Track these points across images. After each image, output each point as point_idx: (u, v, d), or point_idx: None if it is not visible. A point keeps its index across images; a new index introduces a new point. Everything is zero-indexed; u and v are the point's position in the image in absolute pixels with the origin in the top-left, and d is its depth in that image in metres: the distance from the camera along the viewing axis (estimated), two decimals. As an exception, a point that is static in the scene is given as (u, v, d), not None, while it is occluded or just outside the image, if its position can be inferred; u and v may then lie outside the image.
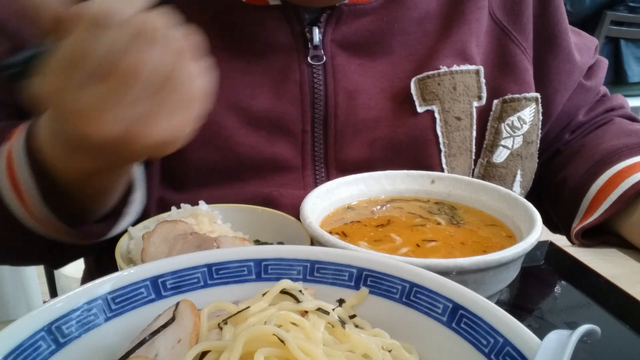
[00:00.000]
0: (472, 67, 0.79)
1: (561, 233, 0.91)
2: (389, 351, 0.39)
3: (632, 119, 0.95)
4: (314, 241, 0.55)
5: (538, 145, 0.86)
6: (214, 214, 0.61)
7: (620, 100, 0.96)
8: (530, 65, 0.84)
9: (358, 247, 0.52)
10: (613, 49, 3.06)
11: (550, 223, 0.93)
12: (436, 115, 0.77)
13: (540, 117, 0.85)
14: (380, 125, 0.77)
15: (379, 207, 0.67)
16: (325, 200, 0.65)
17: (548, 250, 0.70)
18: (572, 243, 0.82)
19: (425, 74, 0.78)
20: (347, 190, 0.67)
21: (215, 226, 0.60)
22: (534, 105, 0.83)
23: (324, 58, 0.76)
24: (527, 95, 0.82)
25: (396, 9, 0.79)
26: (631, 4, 3.01)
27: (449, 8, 0.81)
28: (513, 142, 0.82)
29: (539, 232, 0.54)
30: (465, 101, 0.79)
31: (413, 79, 0.78)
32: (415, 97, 0.77)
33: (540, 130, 0.85)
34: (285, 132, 0.76)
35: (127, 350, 0.37)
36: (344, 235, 0.60)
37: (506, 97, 0.81)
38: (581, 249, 0.77)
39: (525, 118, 0.82)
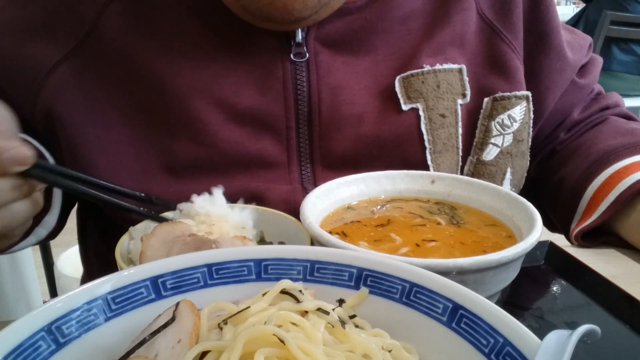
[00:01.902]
0: (455, 66, 0.80)
1: (559, 232, 0.91)
2: (389, 351, 0.39)
3: (628, 117, 0.95)
4: (314, 241, 0.55)
5: (529, 144, 0.86)
6: (211, 214, 0.61)
7: (615, 99, 0.96)
8: (521, 63, 0.84)
9: (358, 247, 0.52)
10: (607, 47, 3.09)
11: (549, 223, 0.93)
12: (420, 113, 0.78)
13: (532, 115, 0.85)
14: (364, 122, 0.78)
15: (379, 207, 0.67)
16: (325, 200, 0.65)
17: (548, 250, 0.70)
18: (571, 243, 0.82)
19: (409, 72, 0.79)
20: (347, 190, 0.67)
21: (214, 227, 0.60)
22: (524, 104, 0.83)
23: (307, 55, 0.77)
24: (518, 93, 0.82)
25: (380, 8, 0.79)
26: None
27: (433, 8, 0.82)
28: (503, 140, 0.83)
29: (539, 232, 0.54)
30: (450, 99, 0.80)
31: (397, 77, 0.78)
32: (399, 95, 0.78)
33: (531, 129, 0.86)
34: (270, 129, 0.77)
35: (127, 350, 0.37)
36: (344, 235, 0.60)
37: (496, 95, 0.81)
38: (581, 249, 0.77)
39: (516, 116, 0.83)
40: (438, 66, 0.79)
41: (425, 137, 0.78)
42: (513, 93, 0.82)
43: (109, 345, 0.40)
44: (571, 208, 0.84)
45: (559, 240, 0.76)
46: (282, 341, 0.35)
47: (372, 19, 0.79)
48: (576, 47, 0.91)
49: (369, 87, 0.79)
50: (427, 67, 0.79)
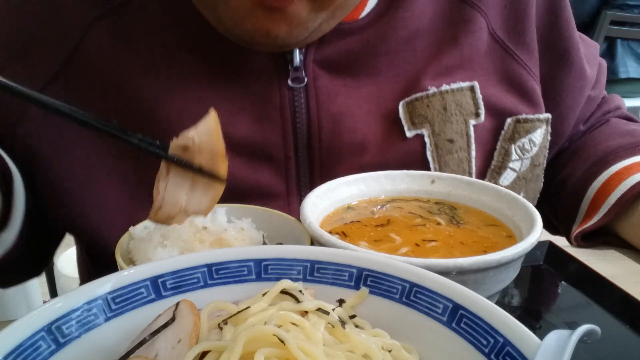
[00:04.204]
0: (465, 84, 0.76)
1: (560, 235, 0.91)
2: (389, 351, 0.39)
3: (628, 119, 0.94)
4: (314, 241, 0.55)
5: (544, 166, 0.83)
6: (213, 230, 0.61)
7: (617, 102, 0.96)
8: (538, 85, 0.81)
9: (358, 247, 0.51)
10: (608, 47, 3.09)
11: (549, 226, 0.93)
12: (426, 139, 0.74)
13: (549, 138, 0.82)
14: (367, 150, 0.74)
15: (379, 207, 0.67)
16: (325, 200, 0.65)
17: (548, 250, 0.70)
18: (571, 244, 0.82)
19: (413, 96, 0.74)
20: (347, 190, 0.67)
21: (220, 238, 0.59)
22: (544, 127, 0.80)
23: (305, 80, 0.72)
24: (541, 116, 0.79)
25: (383, 28, 0.75)
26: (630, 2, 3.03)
27: (440, 28, 0.77)
28: (521, 164, 0.79)
29: (539, 232, 0.54)
30: (459, 121, 0.75)
31: (401, 102, 0.74)
32: (403, 121, 0.74)
33: (547, 151, 0.82)
34: (267, 159, 0.73)
35: (127, 350, 0.37)
36: (344, 235, 0.60)
37: (519, 117, 0.77)
38: (581, 249, 0.77)
39: (536, 140, 0.79)
40: (445, 87, 0.75)
41: (431, 165, 0.75)
42: (536, 116, 0.78)
43: (109, 345, 0.40)
44: (572, 209, 0.84)
45: (559, 240, 0.76)
46: (282, 341, 0.35)
47: (374, 41, 0.74)
48: (591, 59, 0.88)
49: (372, 112, 0.75)
50: (432, 89, 0.74)
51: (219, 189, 0.52)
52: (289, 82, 0.72)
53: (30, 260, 0.82)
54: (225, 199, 0.72)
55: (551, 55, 0.82)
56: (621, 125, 0.90)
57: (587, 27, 3.06)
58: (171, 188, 0.52)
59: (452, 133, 0.75)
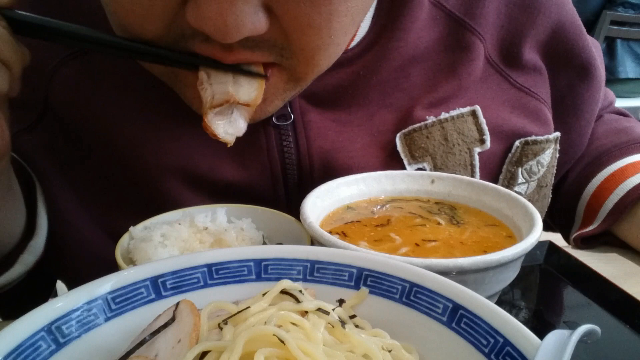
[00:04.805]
0: (466, 110, 0.71)
1: (555, 232, 0.91)
2: (389, 351, 0.39)
3: (620, 114, 0.93)
4: (314, 241, 0.55)
5: (552, 184, 0.80)
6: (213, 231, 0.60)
7: (610, 98, 0.94)
8: (543, 103, 0.77)
9: (358, 247, 0.51)
10: (607, 47, 3.10)
11: (547, 227, 0.92)
12: None
13: (557, 155, 0.78)
14: None
15: (379, 207, 0.67)
16: (325, 200, 0.65)
17: (548, 250, 0.70)
18: (568, 243, 0.82)
19: (410, 127, 0.70)
20: (347, 190, 0.67)
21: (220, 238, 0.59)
22: (552, 146, 0.76)
23: (292, 116, 0.68)
24: (550, 137, 0.75)
25: (375, 59, 0.69)
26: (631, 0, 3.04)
27: (437, 55, 0.73)
28: (527, 187, 0.76)
29: (539, 232, 0.54)
30: (462, 151, 0.71)
31: (398, 134, 0.70)
32: (402, 155, 0.70)
33: (555, 170, 0.79)
34: (257, 201, 0.67)
35: (127, 350, 0.37)
36: (344, 235, 0.60)
37: (529, 138, 0.73)
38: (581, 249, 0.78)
39: (544, 162, 0.75)
40: (444, 115, 0.70)
41: None
42: (545, 137, 0.74)
43: (109, 345, 0.40)
44: (569, 213, 0.84)
45: (559, 240, 0.76)
46: (282, 341, 0.35)
47: (365, 72, 0.69)
48: (601, 64, 0.84)
49: (367, 146, 0.70)
50: (431, 119, 0.70)
51: (261, 80, 0.52)
52: (274, 119, 0.67)
53: (48, 279, 0.80)
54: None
55: (570, 69, 0.79)
56: (614, 123, 0.89)
57: (587, 27, 3.07)
58: (216, 85, 0.52)
59: (455, 165, 0.71)
